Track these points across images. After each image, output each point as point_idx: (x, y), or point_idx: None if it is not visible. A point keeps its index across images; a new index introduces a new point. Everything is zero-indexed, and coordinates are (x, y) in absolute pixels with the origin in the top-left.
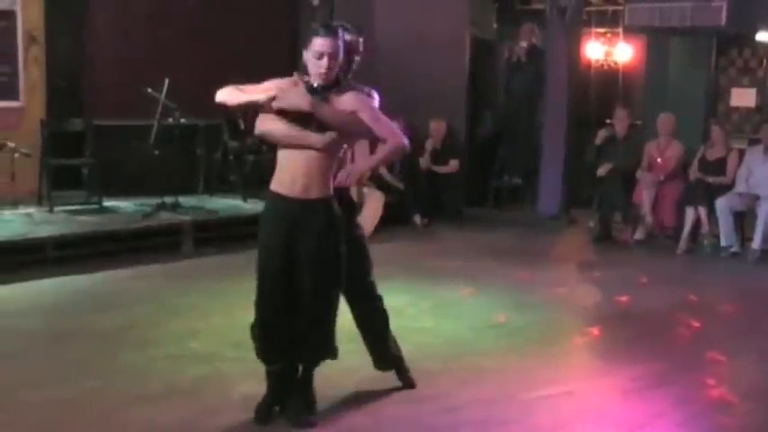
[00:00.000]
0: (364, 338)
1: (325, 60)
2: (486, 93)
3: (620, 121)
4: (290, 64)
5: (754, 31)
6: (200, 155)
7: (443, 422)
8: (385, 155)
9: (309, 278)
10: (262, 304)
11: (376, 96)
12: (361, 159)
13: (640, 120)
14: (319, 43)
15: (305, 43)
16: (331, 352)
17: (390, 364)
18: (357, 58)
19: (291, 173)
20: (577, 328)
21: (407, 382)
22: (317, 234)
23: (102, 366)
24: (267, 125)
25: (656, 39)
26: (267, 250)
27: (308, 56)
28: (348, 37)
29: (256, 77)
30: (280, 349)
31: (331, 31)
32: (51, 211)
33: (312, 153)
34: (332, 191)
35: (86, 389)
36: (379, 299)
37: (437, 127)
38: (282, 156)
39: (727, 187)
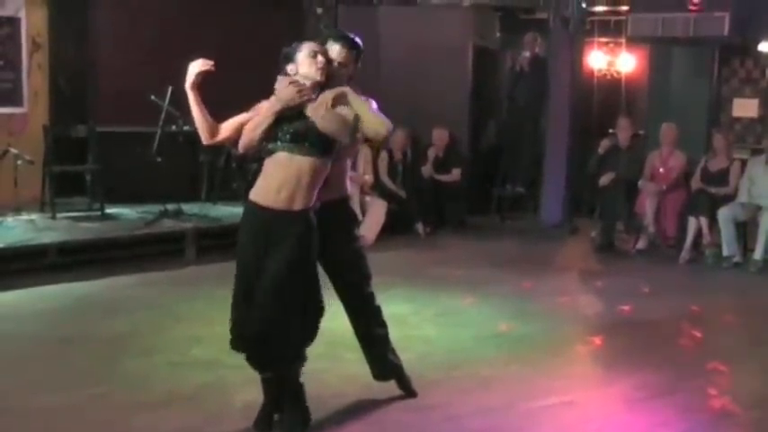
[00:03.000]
0: (363, 349)
1: (319, 57)
2: (489, 102)
3: (623, 131)
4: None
5: (757, 42)
6: (203, 162)
7: (446, 430)
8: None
9: (270, 278)
10: (237, 314)
11: (373, 103)
12: (362, 163)
13: (643, 129)
14: (333, 49)
15: (285, 63)
16: (291, 361)
17: (389, 374)
18: (350, 69)
19: (279, 182)
20: (580, 337)
21: (408, 391)
22: (289, 243)
23: (104, 373)
24: (249, 136)
25: (659, 49)
26: (243, 263)
27: (301, 61)
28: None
29: (260, 84)
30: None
31: (348, 41)
32: (54, 217)
33: (305, 162)
34: (313, 203)
35: (89, 395)
36: (378, 310)
37: (440, 135)
38: (272, 163)
39: (730, 197)
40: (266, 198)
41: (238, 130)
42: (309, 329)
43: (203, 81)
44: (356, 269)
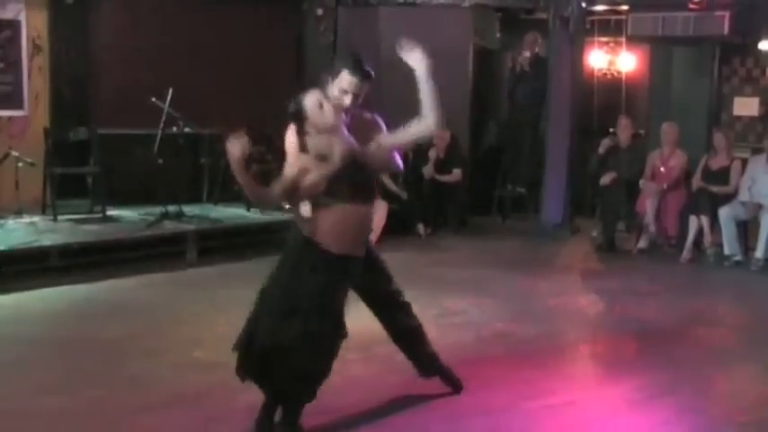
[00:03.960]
0: (404, 348)
1: (349, 97)
2: (489, 102)
3: (624, 131)
4: (294, 72)
5: (757, 40)
6: (203, 164)
7: (449, 430)
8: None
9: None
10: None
11: (380, 121)
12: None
13: (644, 129)
14: (347, 81)
15: (333, 73)
16: (301, 392)
17: (435, 367)
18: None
19: (341, 232)
20: (581, 337)
21: (454, 384)
22: (327, 279)
23: (106, 375)
24: (310, 191)
25: (660, 48)
26: (281, 284)
27: (312, 115)
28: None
29: (261, 86)
30: None
31: (362, 73)
32: (55, 219)
33: (366, 209)
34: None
35: (91, 398)
36: (409, 305)
37: (441, 136)
38: (333, 215)
39: (731, 196)
40: (331, 245)
41: (293, 187)
42: (324, 365)
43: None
44: (379, 270)
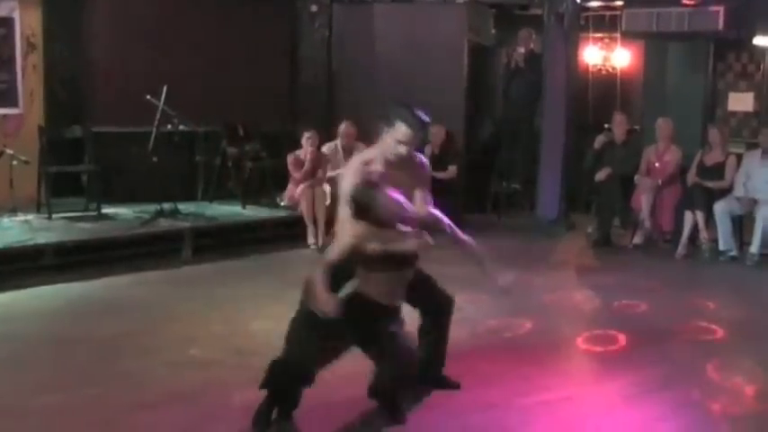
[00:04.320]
0: (437, 347)
1: (404, 148)
2: (484, 98)
3: (619, 126)
4: (289, 69)
5: (752, 36)
6: (198, 161)
7: (446, 427)
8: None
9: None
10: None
11: (425, 162)
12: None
13: (638, 125)
14: (403, 133)
15: (388, 122)
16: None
17: (439, 375)
18: None
19: (390, 289)
20: (576, 333)
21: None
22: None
23: (101, 373)
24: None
25: (654, 44)
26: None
27: (389, 136)
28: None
29: (256, 82)
30: None
31: (418, 125)
32: (50, 218)
33: (409, 271)
34: None
35: (86, 395)
36: (449, 305)
37: (436, 132)
38: (379, 279)
39: (726, 191)
40: (377, 299)
41: (353, 254)
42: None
43: None
44: (423, 282)
